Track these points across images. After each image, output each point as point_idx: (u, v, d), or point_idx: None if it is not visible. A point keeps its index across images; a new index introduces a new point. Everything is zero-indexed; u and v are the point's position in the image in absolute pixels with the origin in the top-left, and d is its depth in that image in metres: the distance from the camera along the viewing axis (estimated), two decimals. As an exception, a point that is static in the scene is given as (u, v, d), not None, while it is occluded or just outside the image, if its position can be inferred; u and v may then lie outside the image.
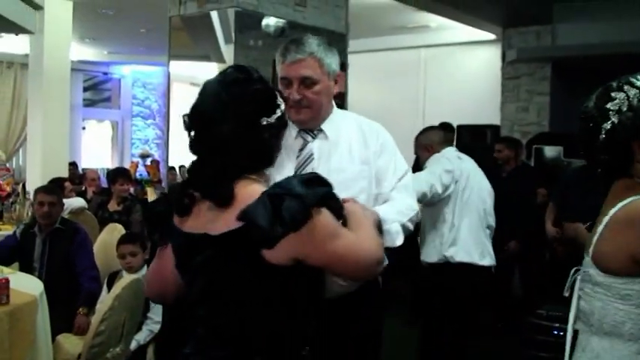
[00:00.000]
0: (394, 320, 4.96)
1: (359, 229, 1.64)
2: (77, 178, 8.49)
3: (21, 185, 6.44)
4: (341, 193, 1.68)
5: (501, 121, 8.23)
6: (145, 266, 4.17)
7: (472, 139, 8.15)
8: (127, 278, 3.65)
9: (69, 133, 7.36)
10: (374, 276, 1.73)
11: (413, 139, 4.34)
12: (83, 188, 7.57)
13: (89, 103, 13.13)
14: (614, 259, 1.74)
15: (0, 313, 3.06)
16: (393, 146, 2.38)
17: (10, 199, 6.18)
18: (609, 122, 1.76)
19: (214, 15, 5.51)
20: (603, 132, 1.76)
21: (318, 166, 2.19)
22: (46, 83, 6.65)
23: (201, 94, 1.67)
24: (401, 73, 9.54)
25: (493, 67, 8.47)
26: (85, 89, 12.83)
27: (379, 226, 1.98)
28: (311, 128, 2.27)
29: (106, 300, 3.47)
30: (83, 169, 10.33)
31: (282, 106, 1.67)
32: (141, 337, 3.96)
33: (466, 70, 9.11)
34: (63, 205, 4.64)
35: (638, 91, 1.74)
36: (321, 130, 2.27)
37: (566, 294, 2.07)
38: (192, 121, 1.64)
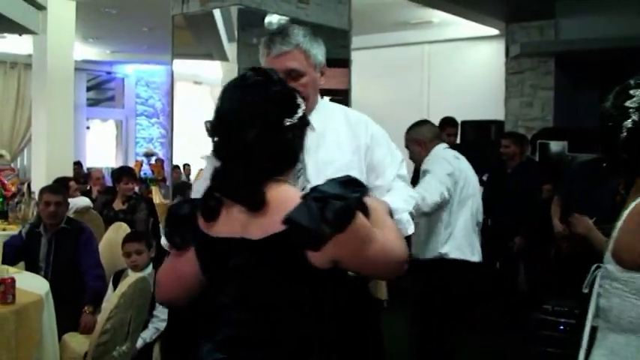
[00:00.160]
0: (398, 318, 4.97)
1: (384, 227, 1.63)
2: (82, 177, 8.50)
3: (26, 185, 6.45)
4: None
5: (505, 117, 8.22)
6: (151, 264, 4.18)
7: (476, 135, 8.14)
8: (132, 277, 3.66)
9: (73, 132, 7.37)
10: (400, 274, 1.74)
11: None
12: (88, 187, 7.59)
13: (93, 103, 13.14)
14: (632, 253, 1.73)
15: (6, 313, 3.07)
16: (385, 136, 2.37)
17: (16, 199, 6.19)
18: (630, 120, 1.74)
19: (217, 13, 5.52)
20: (624, 130, 1.75)
21: (308, 159, 2.15)
22: (49, 83, 6.66)
23: (222, 98, 1.66)
24: (404, 69, 9.54)
25: (496, 63, 8.46)
26: (89, 89, 12.84)
27: (391, 217, 1.98)
28: None
29: (111, 298, 3.48)
30: (88, 169, 10.36)
31: (303, 106, 1.66)
32: (147, 335, 3.97)
33: (470, 65, 9.09)
34: (68, 204, 4.65)
35: None
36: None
37: (586, 290, 2.06)
38: (215, 126, 1.64)
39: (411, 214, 2.22)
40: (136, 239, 4.19)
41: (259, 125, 1.56)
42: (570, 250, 4.77)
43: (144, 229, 5.34)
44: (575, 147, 7.00)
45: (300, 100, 1.66)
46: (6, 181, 6.41)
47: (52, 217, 4.41)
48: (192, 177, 10.42)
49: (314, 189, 1.55)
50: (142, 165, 11.52)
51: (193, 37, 6.09)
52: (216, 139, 1.63)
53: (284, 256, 1.54)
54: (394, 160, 2.33)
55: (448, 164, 3.86)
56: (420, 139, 3.97)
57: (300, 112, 1.63)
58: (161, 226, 2.42)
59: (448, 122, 6.47)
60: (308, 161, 2.14)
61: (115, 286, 3.96)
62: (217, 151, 1.63)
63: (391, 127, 4.09)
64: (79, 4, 6.96)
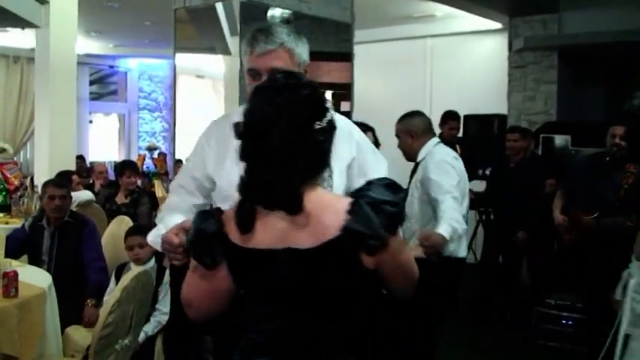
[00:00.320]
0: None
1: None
2: (85, 171, 8.51)
3: (29, 179, 6.46)
4: None
5: (508, 111, 8.20)
6: (153, 258, 4.18)
7: (479, 129, 8.13)
8: (134, 270, 3.66)
9: (76, 126, 7.37)
10: (411, 294, 1.76)
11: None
12: (91, 181, 7.60)
13: (96, 97, 13.14)
14: None
15: (9, 306, 3.09)
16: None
17: (19, 193, 6.20)
18: None
19: (219, 7, 5.51)
20: None
21: (333, 164, 2.14)
22: (52, 77, 6.66)
23: (252, 101, 1.66)
24: (407, 63, 9.52)
25: (500, 57, 8.43)
26: (92, 83, 12.84)
27: None
28: None
29: (114, 292, 3.49)
30: (91, 163, 10.37)
31: (332, 110, 1.66)
32: (149, 328, 3.98)
33: (472, 59, 9.07)
34: (71, 198, 4.66)
35: None
36: None
37: (619, 297, 2.02)
38: (245, 129, 1.62)
39: None
40: (138, 233, 4.20)
41: (288, 127, 1.55)
42: (573, 243, 4.77)
43: (146, 222, 5.35)
44: (579, 141, 6.98)
45: (329, 104, 1.65)
46: (9, 175, 6.42)
47: (57, 210, 4.42)
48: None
49: (360, 193, 1.56)
50: (144, 159, 11.51)
51: (196, 30, 6.08)
52: (244, 141, 1.63)
53: (339, 262, 1.56)
54: (382, 167, 2.31)
55: (454, 171, 3.78)
56: (412, 130, 3.93)
57: (329, 116, 1.63)
58: (156, 220, 2.38)
59: (450, 116, 6.46)
60: (334, 166, 2.09)
61: (118, 280, 3.98)
62: (245, 154, 1.62)
63: (394, 120, 4.11)
64: (81, -3, 6.95)
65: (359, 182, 2.19)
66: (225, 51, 6.10)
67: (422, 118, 4.00)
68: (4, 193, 6.31)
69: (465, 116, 7.60)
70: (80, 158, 9.02)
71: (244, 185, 1.62)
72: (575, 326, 5.16)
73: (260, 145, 1.58)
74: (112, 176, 7.98)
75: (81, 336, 3.84)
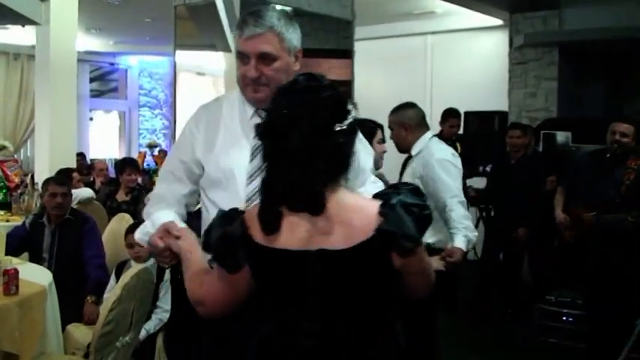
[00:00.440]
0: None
1: None
2: (85, 168, 8.51)
3: (29, 176, 6.46)
4: None
5: (509, 107, 8.20)
6: (154, 256, 4.18)
7: (479, 126, 8.12)
8: (135, 268, 3.66)
9: (76, 123, 7.37)
10: (427, 295, 1.78)
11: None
12: (91, 179, 7.60)
13: (96, 94, 13.13)
14: None
15: (10, 304, 3.08)
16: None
17: (19, 190, 6.20)
18: None
19: (219, 4, 5.51)
20: None
21: None
22: (52, 74, 6.65)
23: (273, 101, 1.66)
24: (407, 59, 9.51)
25: (500, 53, 8.42)
26: (92, 80, 12.83)
27: None
28: None
29: (114, 289, 3.48)
30: (91, 160, 10.37)
31: (353, 112, 1.65)
32: (150, 326, 3.97)
33: (473, 56, 9.06)
34: (72, 195, 4.66)
35: None
36: None
37: None
38: (265, 129, 1.63)
39: None
40: (138, 230, 4.18)
41: (307, 129, 1.56)
42: (574, 240, 4.77)
43: (147, 220, 5.34)
44: (579, 138, 6.98)
45: (350, 107, 1.65)
46: (9, 173, 6.43)
47: (58, 208, 4.42)
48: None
49: (388, 196, 1.59)
50: (145, 156, 11.51)
51: (196, 28, 6.09)
52: (265, 142, 1.63)
53: (371, 263, 1.58)
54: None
55: (457, 171, 3.76)
56: (406, 123, 3.90)
57: (350, 118, 1.62)
58: (143, 213, 2.36)
59: (451, 113, 6.45)
60: None
61: (118, 278, 3.97)
62: (266, 153, 1.63)
63: (394, 117, 4.09)
64: (81, -6, 6.95)
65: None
66: (226, 48, 6.09)
67: (415, 110, 3.96)
68: (4, 191, 6.32)
69: (466, 113, 7.59)
70: (81, 156, 9.01)
71: (266, 185, 1.62)
72: (575, 323, 5.17)
73: (279, 146, 1.58)
74: (112, 174, 7.98)
75: (82, 333, 3.84)
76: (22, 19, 6.55)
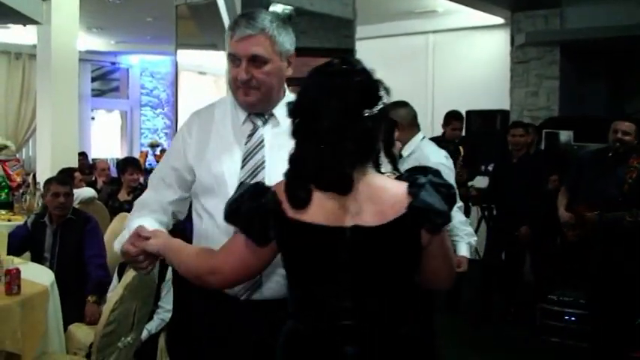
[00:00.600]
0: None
1: None
2: (87, 168, 8.51)
3: (31, 176, 6.45)
4: None
5: (511, 106, 8.20)
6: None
7: (481, 125, 8.12)
8: (137, 267, 3.65)
9: (78, 123, 7.36)
10: (449, 286, 1.82)
11: (422, 125, 4.26)
12: (93, 178, 7.60)
13: (98, 93, 13.13)
14: None
15: (12, 304, 3.08)
16: None
17: (21, 190, 6.20)
18: None
19: (221, 3, 5.50)
20: None
21: (270, 156, 2.06)
22: (54, 74, 6.65)
23: (306, 82, 1.68)
24: (409, 58, 9.50)
25: (502, 52, 8.42)
26: (94, 79, 12.82)
27: None
28: (261, 112, 2.11)
29: (116, 289, 3.48)
30: (93, 159, 10.37)
31: (385, 99, 1.67)
32: (152, 326, 3.97)
33: (475, 54, 9.05)
34: (73, 195, 4.66)
35: None
36: (272, 115, 2.11)
37: None
38: (295, 107, 1.67)
39: None
40: (140, 230, 4.18)
41: (336, 112, 1.58)
42: (577, 240, 4.76)
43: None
44: (581, 136, 6.97)
45: (382, 93, 1.66)
46: (11, 172, 6.43)
47: (61, 208, 4.41)
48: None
49: (415, 177, 1.65)
50: (147, 156, 11.53)
51: (197, 27, 6.08)
52: (296, 120, 1.66)
53: (402, 240, 1.62)
54: None
55: (451, 173, 3.74)
56: (397, 122, 3.89)
57: (380, 105, 1.64)
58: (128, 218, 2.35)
59: (453, 116, 6.42)
60: (270, 159, 2.05)
61: (121, 277, 3.97)
62: (296, 133, 1.66)
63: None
64: (82, -6, 6.94)
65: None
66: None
67: (407, 109, 3.93)
68: (6, 190, 6.32)
69: (468, 112, 7.59)
70: (82, 155, 9.01)
71: (295, 162, 1.65)
72: (577, 322, 5.16)
73: (310, 125, 1.62)
74: (114, 173, 7.97)
75: (84, 333, 3.84)
76: (23, 19, 6.55)
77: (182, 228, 2.30)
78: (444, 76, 9.22)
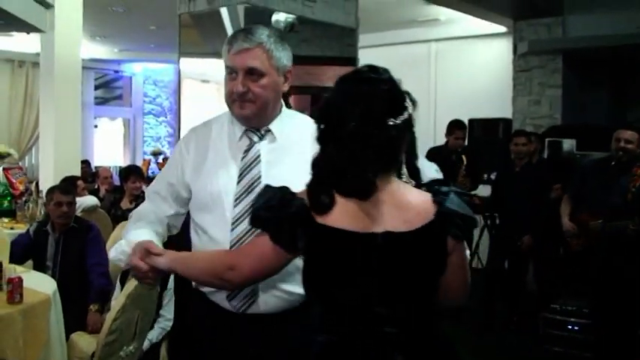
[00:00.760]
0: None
1: None
2: (90, 176, 8.51)
3: (34, 184, 6.45)
4: None
5: (513, 115, 8.19)
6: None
7: (484, 133, 8.11)
8: (139, 276, 3.64)
9: (81, 131, 7.36)
10: (463, 303, 1.83)
11: (424, 134, 4.28)
12: (96, 186, 7.60)
13: (101, 101, 13.16)
14: None
15: (14, 312, 3.08)
16: None
17: (24, 198, 6.19)
18: None
19: (224, 11, 5.51)
20: None
21: (267, 172, 2.06)
22: (57, 82, 6.66)
23: (333, 88, 1.69)
24: (411, 66, 9.48)
25: (504, 60, 8.42)
26: (97, 87, 12.86)
27: None
28: (257, 127, 2.11)
29: (118, 298, 3.48)
30: (96, 167, 10.38)
31: (410, 109, 1.67)
32: (153, 335, 3.96)
33: (477, 63, 9.05)
34: (76, 204, 4.66)
35: None
36: (268, 131, 2.11)
37: None
38: (320, 113, 1.68)
39: None
40: (143, 238, 4.17)
41: (360, 120, 1.59)
42: (580, 248, 4.75)
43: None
44: (584, 145, 6.96)
45: (408, 103, 1.67)
46: (14, 180, 6.42)
47: (64, 217, 4.41)
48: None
49: (436, 186, 1.69)
50: (149, 164, 11.53)
51: (200, 35, 6.08)
52: (321, 126, 1.66)
53: (430, 246, 1.65)
54: None
55: None
56: None
57: (405, 115, 1.64)
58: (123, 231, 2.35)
59: (456, 125, 6.42)
60: (267, 175, 2.04)
61: (123, 285, 3.96)
62: (321, 138, 1.66)
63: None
64: (86, 2, 6.95)
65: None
66: (230, 56, 6.08)
67: None
68: (9, 198, 6.31)
69: (470, 120, 7.58)
70: (85, 163, 9.02)
71: (318, 167, 1.66)
72: (580, 332, 5.14)
73: (334, 131, 1.62)
74: (117, 181, 7.98)
75: (86, 342, 3.84)
76: (26, 27, 6.56)
77: (177, 240, 2.30)
78: (447, 85, 9.22)
